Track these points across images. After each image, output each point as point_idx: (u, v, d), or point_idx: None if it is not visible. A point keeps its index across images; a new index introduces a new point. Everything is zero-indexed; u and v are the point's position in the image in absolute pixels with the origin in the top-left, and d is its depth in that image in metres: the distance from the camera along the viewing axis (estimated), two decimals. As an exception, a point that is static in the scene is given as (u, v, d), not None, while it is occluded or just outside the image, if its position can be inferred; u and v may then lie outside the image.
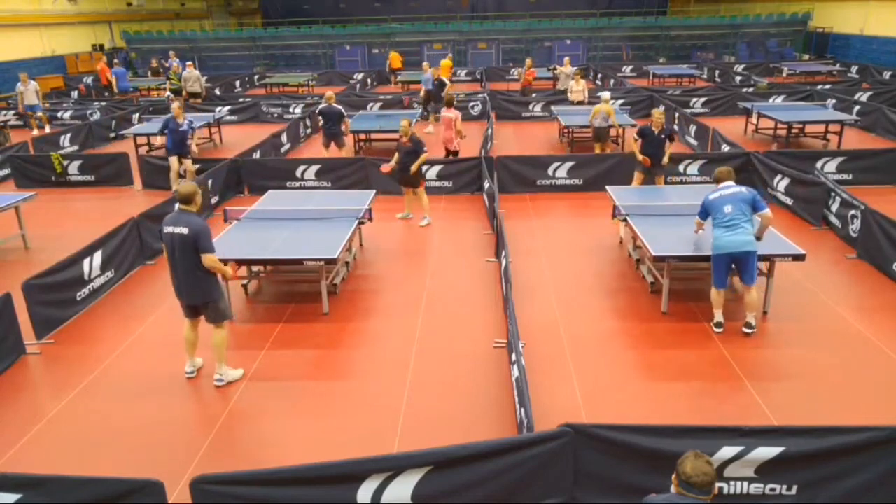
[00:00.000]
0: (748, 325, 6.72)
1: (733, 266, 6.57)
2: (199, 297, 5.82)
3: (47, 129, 17.58)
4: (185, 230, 5.56)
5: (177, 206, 5.75)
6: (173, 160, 12.01)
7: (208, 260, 5.63)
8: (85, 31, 30.05)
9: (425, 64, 18.93)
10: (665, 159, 9.95)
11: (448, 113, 12.29)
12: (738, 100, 18.06)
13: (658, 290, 7.39)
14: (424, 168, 11.84)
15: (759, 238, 6.50)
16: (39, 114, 18.00)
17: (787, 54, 30.17)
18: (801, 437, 4.19)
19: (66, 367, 6.44)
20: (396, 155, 10.08)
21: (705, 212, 6.76)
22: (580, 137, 15.04)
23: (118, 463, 4.99)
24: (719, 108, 18.58)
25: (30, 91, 17.60)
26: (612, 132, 14.57)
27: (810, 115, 14.67)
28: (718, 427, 4.30)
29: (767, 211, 6.50)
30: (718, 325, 6.79)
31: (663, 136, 9.84)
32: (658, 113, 9.97)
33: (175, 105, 12.08)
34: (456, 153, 12.68)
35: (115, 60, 24.57)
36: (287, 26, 34.79)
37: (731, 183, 6.71)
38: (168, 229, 5.65)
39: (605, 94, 13.28)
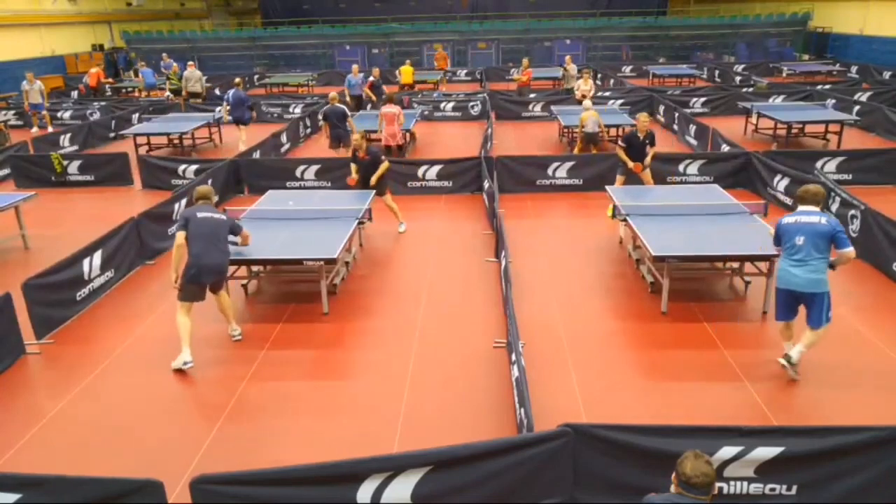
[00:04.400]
0: (787, 358, 5.84)
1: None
2: (225, 270, 6.63)
3: (50, 129, 17.59)
4: (221, 216, 6.61)
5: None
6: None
7: (246, 233, 6.93)
8: (84, 31, 30.04)
9: (355, 66, 18.62)
10: (647, 160, 10.00)
11: (391, 108, 12.92)
12: (738, 100, 18.06)
13: (658, 290, 7.39)
14: (424, 168, 11.90)
15: (832, 267, 5.62)
16: (44, 112, 18.02)
17: (786, 54, 30.16)
18: (801, 437, 4.20)
19: (66, 367, 6.44)
20: (354, 166, 9.55)
21: (778, 237, 5.78)
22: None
23: (118, 463, 4.98)
24: (719, 108, 18.59)
25: (34, 90, 17.67)
26: (612, 132, 14.59)
27: (810, 115, 14.66)
28: (718, 427, 4.30)
29: (850, 250, 5.51)
30: (788, 358, 5.83)
31: (647, 140, 9.89)
32: (643, 117, 9.94)
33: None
34: (400, 147, 13.22)
35: (142, 62, 24.88)
36: (287, 26, 34.77)
37: (814, 209, 5.65)
38: (203, 214, 6.41)
39: (588, 103, 13.46)
